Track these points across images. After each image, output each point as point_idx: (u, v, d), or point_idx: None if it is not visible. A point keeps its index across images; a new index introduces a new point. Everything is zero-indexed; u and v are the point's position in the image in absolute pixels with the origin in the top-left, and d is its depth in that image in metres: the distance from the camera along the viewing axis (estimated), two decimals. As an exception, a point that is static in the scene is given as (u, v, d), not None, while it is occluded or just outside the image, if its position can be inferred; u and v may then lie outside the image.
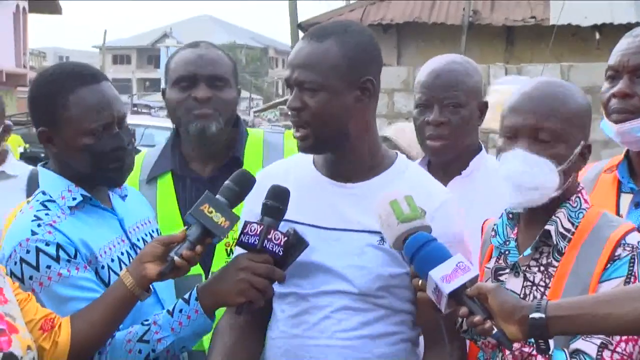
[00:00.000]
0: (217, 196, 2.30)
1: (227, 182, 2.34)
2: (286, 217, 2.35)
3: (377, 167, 2.39)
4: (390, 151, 2.46)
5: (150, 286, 2.33)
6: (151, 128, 20.70)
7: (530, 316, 1.95)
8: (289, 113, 2.37)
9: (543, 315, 1.94)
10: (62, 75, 2.47)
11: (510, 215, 2.34)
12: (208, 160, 2.92)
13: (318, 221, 2.36)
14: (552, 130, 2.20)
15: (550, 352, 2.07)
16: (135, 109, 24.20)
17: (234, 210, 2.32)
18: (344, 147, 2.35)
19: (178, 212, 2.88)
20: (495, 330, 1.99)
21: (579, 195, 2.27)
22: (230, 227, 2.27)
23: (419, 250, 2.10)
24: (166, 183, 2.93)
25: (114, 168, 2.47)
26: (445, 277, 2.03)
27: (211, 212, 2.25)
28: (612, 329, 1.98)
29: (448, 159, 2.87)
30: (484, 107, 2.94)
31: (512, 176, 2.23)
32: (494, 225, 2.38)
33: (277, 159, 2.71)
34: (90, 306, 2.33)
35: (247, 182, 2.34)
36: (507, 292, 2.05)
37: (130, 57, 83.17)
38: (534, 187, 2.20)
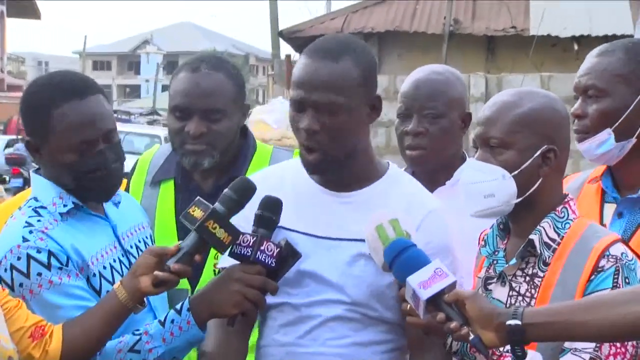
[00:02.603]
0: (217, 204, 2.26)
1: (227, 190, 2.30)
2: (281, 224, 2.35)
3: (370, 176, 2.41)
4: (382, 160, 2.48)
5: (145, 299, 2.32)
6: (131, 134, 20.67)
7: (507, 323, 1.96)
8: (301, 134, 2.32)
9: (520, 322, 1.95)
10: (49, 87, 2.44)
11: (501, 226, 2.36)
12: (210, 173, 2.86)
13: (312, 229, 2.37)
14: (497, 137, 2.24)
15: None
16: (116, 115, 24.15)
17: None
18: (347, 161, 2.36)
19: (174, 221, 2.85)
20: (472, 336, 2.01)
21: (566, 205, 2.29)
22: (232, 243, 2.25)
23: (397, 256, 2.13)
24: (168, 190, 2.90)
25: (94, 186, 2.45)
26: (422, 284, 2.05)
27: (215, 228, 2.22)
28: (589, 336, 2.00)
29: (429, 168, 2.89)
30: (467, 118, 2.95)
31: (465, 186, 2.29)
32: (485, 235, 2.40)
33: None
34: (83, 317, 2.32)
35: (247, 191, 2.31)
36: (485, 299, 2.08)
37: (110, 63, 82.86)
38: (489, 194, 2.24)
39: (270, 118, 13.77)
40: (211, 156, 2.77)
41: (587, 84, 2.55)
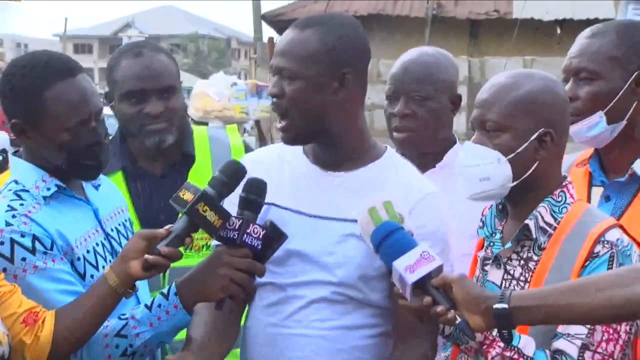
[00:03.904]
0: (207, 187, 2.24)
1: (217, 173, 2.28)
2: (270, 200, 2.35)
3: (365, 157, 2.40)
4: (380, 144, 2.47)
5: (135, 284, 2.29)
6: (112, 118, 20.57)
7: (494, 307, 1.96)
8: (272, 100, 2.36)
9: (506, 306, 1.95)
10: (37, 67, 2.39)
11: (500, 207, 2.35)
12: (158, 157, 2.91)
13: (302, 207, 2.37)
14: (493, 120, 2.23)
15: (515, 344, 2.09)
16: (102, 106, 24.26)
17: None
18: (327, 138, 2.36)
19: (132, 210, 2.87)
20: (459, 320, 2.00)
21: (564, 189, 2.27)
22: (223, 226, 2.23)
23: (383, 240, 2.12)
24: (117, 182, 2.89)
25: (89, 164, 2.43)
26: (409, 267, 2.05)
27: (205, 211, 2.20)
28: (575, 319, 2.00)
29: (418, 151, 2.87)
30: (457, 100, 2.93)
31: (461, 169, 2.27)
32: (482, 216, 2.39)
33: (224, 154, 2.74)
34: (74, 303, 2.29)
35: (237, 174, 2.30)
36: (472, 283, 2.07)
37: (92, 46, 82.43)
38: (485, 178, 2.23)
39: (211, 91, 13.91)
40: (172, 133, 2.86)
41: (578, 66, 2.54)
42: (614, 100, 2.49)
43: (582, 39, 2.58)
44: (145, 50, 2.89)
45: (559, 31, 15.56)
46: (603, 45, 2.52)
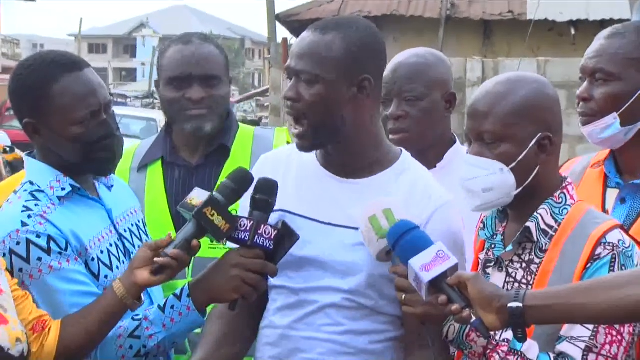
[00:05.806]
0: (215, 194, 2.25)
1: (225, 180, 2.30)
2: (283, 207, 2.35)
3: (379, 163, 2.38)
4: (395, 148, 2.45)
5: (142, 295, 2.31)
6: (127, 118, 20.61)
7: (509, 305, 1.96)
8: (287, 104, 2.34)
9: (521, 305, 1.95)
10: (43, 64, 2.41)
11: (501, 208, 2.34)
12: (197, 148, 2.97)
13: (314, 214, 2.36)
14: (491, 131, 2.21)
15: (518, 348, 2.10)
16: (112, 98, 24.20)
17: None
18: (341, 143, 2.34)
19: (165, 198, 2.93)
20: (474, 318, 2.01)
21: (564, 191, 2.26)
22: (230, 231, 2.24)
23: (400, 238, 2.12)
24: (155, 170, 2.98)
25: (104, 157, 2.44)
26: (424, 266, 2.05)
27: (213, 215, 2.21)
28: (588, 318, 2.00)
29: (415, 151, 2.86)
30: (452, 98, 2.93)
31: (463, 182, 2.26)
32: (484, 217, 2.39)
33: (265, 152, 2.71)
34: (81, 312, 2.30)
35: (245, 180, 2.30)
36: (487, 281, 2.07)
37: (106, 46, 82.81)
38: (488, 189, 2.22)
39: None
40: (212, 121, 2.91)
41: (595, 67, 2.52)
42: (629, 102, 2.48)
43: (600, 39, 2.55)
44: (194, 39, 2.96)
45: (573, 32, 15.52)
46: (622, 47, 2.50)
